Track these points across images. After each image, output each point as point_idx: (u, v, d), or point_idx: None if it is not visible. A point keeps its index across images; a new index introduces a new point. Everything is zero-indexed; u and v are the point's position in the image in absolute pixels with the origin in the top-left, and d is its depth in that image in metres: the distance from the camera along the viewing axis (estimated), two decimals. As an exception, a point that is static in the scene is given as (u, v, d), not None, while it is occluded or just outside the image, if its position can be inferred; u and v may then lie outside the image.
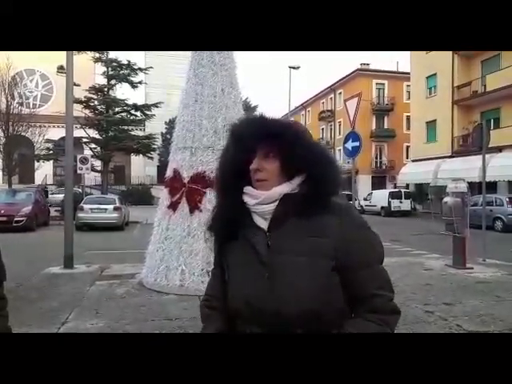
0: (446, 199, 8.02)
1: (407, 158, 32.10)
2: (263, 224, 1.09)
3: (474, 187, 16.51)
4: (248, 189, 1.10)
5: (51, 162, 29.14)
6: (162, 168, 22.25)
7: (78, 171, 15.69)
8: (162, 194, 6.69)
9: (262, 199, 1.07)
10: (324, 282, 1.02)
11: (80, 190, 18.18)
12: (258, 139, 1.07)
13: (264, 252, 1.05)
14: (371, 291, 1.05)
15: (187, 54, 7.10)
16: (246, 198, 1.10)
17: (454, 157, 23.99)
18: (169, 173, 6.35)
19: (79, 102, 23.52)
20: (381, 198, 24.76)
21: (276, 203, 1.07)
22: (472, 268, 7.56)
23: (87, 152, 23.35)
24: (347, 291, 1.05)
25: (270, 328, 1.01)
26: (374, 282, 1.06)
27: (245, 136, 1.08)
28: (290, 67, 28.00)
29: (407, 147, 32.33)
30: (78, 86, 16.64)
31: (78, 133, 21.05)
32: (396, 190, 26.78)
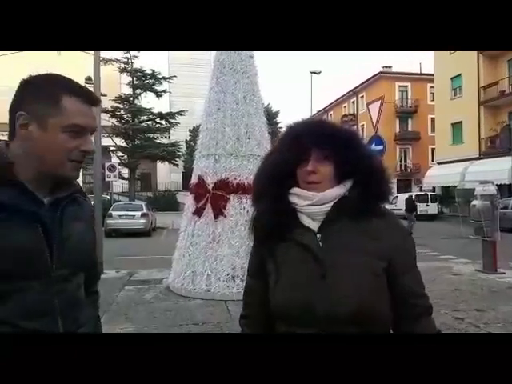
0: (475, 202, 7.85)
1: (433, 160, 31.41)
2: (312, 225, 1.09)
3: (504, 189, 16.02)
4: (296, 190, 1.11)
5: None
6: (186, 174, 22.52)
7: (106, 179, 16.10)
8: (187, 200, 6.82)
9: (316, 200, 1.08)
10: (375, 283, 1.04)
11: (108, 197, 18.62)
12: (315, 140, 1.08)
13: (318, 252, 1.05)
14: (420, 292, 1.11)
15: (210, 63, 7.23)
16: (294, 199, 1.10)
17: (481, 158, 23.34)
18: (193, 179, 6.47)
19: (106, 111, 24.08)
20: (406, 201, 24.28)
21: (329, 205, 1.08)
22: (504, 273, 7.36)
23: (115, 160, 23.86)
24: (394, 294, 1.08)
25: (320, 329, 1.01)
26: (420, 283, 1.12)
27: (303, 137, 1.09)
28: (311, 72, 27.97)
29: (432, 149, 31.64)
30: (105, 96, 17.06)
31: (106, 141, 21.56)
32: (422, 193, 26.22)
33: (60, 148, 0.99)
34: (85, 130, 1.02)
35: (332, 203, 1.09)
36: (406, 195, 20.77)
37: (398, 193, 28.08)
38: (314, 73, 27.91)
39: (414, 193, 26.69)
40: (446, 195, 25.65)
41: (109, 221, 14.92)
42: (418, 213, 23.03)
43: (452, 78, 26.42)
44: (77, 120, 0.99)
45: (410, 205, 16.91)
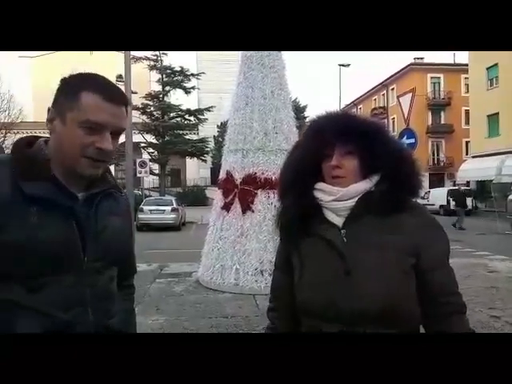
0: (512, 197, 7.55)
1: (467, 153, 30.39)
2: (337, 220, 1.07)
3: (544, 183, 15.28)
4: (321, 185, 1.09)
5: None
6: (215, 170, 22.79)
7: (138, 175, 16.47)
8: (215, 195, 6.90)
9: (340, 196, 1.06)
10: (403, 279, 1.01)
11: (140, 193, 19.04)
12: (338, 135, 1.05)
13: (343, 248, 1.03)
14: (451, 289, 1.06)
15: (237, 59, 7.25)
16: (318, 194, 1.09)
17: (520, 151, 22.41)
18: (222, 175, 6.53)
19: (137, 108, 24.63)
20: (439, 196, 23.61)
21: (353, 200, 1.06)
22: (542, 270, 7.07)
23: (145, 156, 24.44)
24: (424, 291, 1.04)
25: (345, 325, 1.00)
26: (451, 280, 1.07)
27: (326, 131, 1.06)
28: (339, 65, 27.54)
29: (467, 143, 30.59)
30: (136, 93, 17.45)
31: (137, 138, 22.05)
32: (455, 187, 25.45)
33: (74, 143, 0.98)
34: (103, 128, 0.99)
35: (357, 198, 1.06)
36: (460, 188, 20.08)
37: (430, 187, 27.40)
38: (343, 65, 27.47)
39: (447, 187, 25.97)
40: (481, 190, 24.78)
41: (140, 215, 15.29)
42: (452, 208, 22.42)
43: (488, 68, 25.36)
44: (93, 116, 0.98)
45: (459, 197, 15.85)
